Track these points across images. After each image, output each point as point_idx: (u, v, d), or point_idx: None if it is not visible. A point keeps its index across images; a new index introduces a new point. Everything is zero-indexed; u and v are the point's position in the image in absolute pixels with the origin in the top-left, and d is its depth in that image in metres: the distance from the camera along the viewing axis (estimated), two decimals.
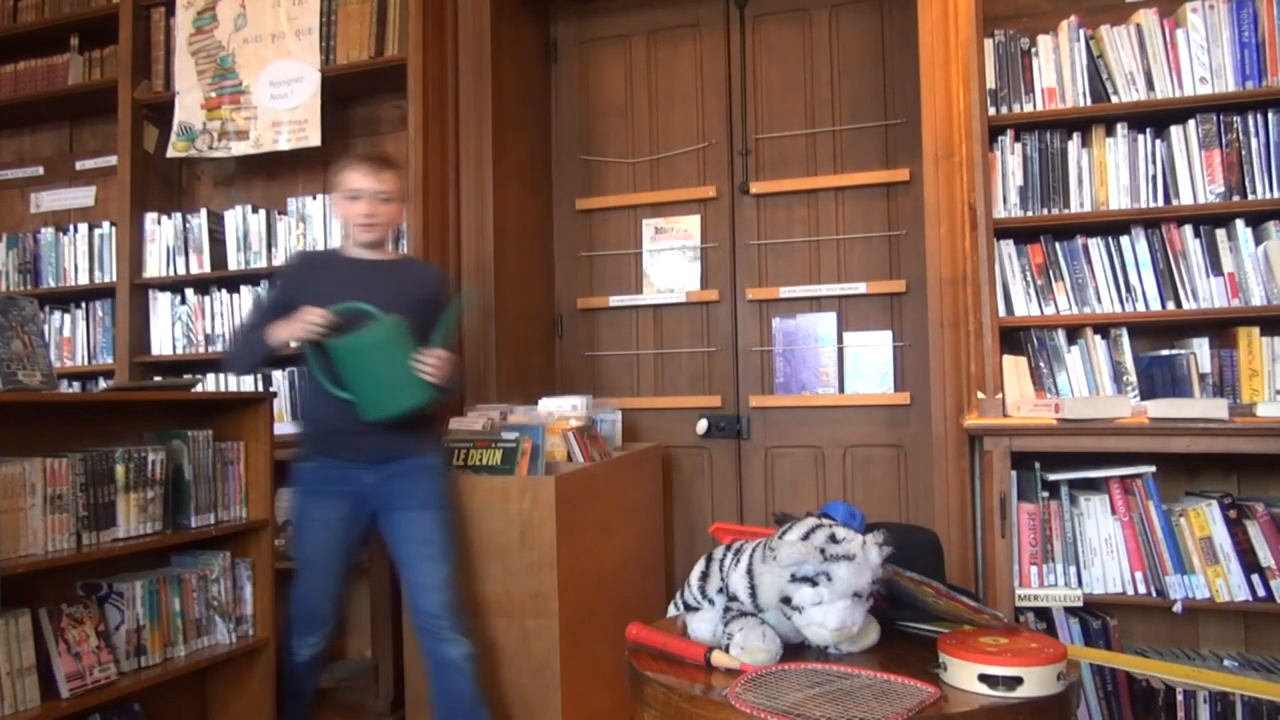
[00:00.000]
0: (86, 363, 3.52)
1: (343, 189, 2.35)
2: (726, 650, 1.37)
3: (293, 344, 2.25)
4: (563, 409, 2.89)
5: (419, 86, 3.06)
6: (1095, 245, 2.55)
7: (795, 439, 3.25)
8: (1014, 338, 2.63)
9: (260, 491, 2.50)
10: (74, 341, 3.55)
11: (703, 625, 1.47)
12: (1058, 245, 2.58)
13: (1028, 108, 2.60)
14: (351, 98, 3.41)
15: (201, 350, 3.35)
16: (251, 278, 3.32)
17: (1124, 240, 2.53)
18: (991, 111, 2.59)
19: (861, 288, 3.17)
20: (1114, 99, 2.54)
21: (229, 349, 2.31)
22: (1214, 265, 2.47)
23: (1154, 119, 2.54)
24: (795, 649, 1.41)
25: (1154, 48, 2.52)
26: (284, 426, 3.02)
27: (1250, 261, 2.44)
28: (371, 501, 2.36)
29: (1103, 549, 2.37)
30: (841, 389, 3.19)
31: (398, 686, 2.78)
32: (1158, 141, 2.53)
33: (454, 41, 3.23)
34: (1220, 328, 2.53)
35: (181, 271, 3.36)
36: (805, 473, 3.24)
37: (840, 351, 3.20)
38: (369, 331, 2.18)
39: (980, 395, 2.52)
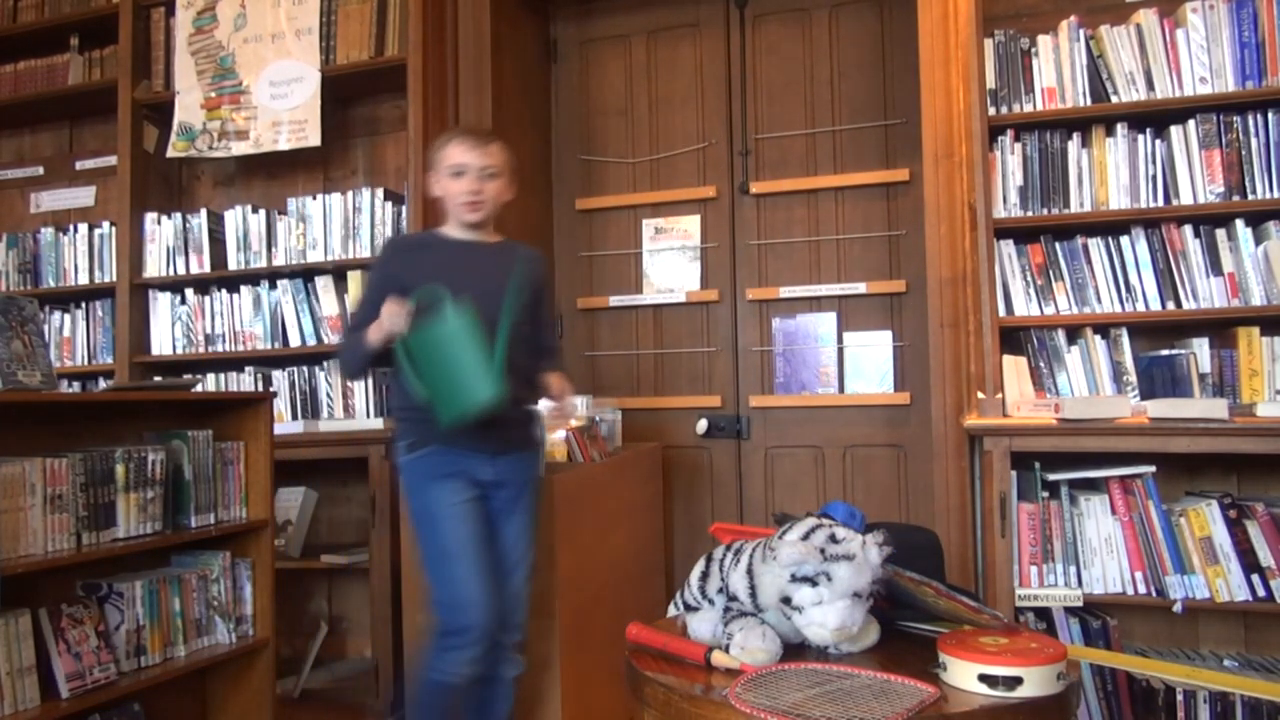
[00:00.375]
0: (86, 363, 3.53)
1: (444, 165, 2.16)
2: (726, 650, 1.36)
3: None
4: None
5: (419, 86, 3.06)
6: (1095, 245, 2.55)
7: (795, 439, 3.25)
8: (1014, 338, 2.63)
9: (260, 491, 2.50)
10: (74, 341, 3.55)
11: (703, 625, 1.47)
12: (1058, 245, 2.58)
13: (1028, 108, 2.60)
14: (351, 98, 3.41)
15: (201, 350, 3.35)
16: (251, 278, 3.32)
17: (1124, 240, 2.53)
18: (991, 111, 2.59)
19: (861, 288, 3.17)
20: (1114, 99, 2.54)
21: (338, 353, 2.16)
22: (1214, 265, 2.47)
23: (1154, 119, 2.54)
24: (795, 649, 1.41)
25: (1154, 48, 2.52)
26: (284, 426, 3.03)
27: (1250, 261, 2.44)
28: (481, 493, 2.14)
29: (1103, 549, 2.37)
30: (841, 389, 3.19)
31: (398, 686, 2.78)
32: (1158, 141, 2.53)
33: (454, 41, 3.23)
34: (1220, 328, 2.53)
35: (181, 271, 3.36)
36: (805, 473, 3.23)
37: (840, 351, 3.20)
38: (439, 324, 1.99)
39: (980, 395, 2.52)
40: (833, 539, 1.37)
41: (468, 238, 2.21)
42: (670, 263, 3.43)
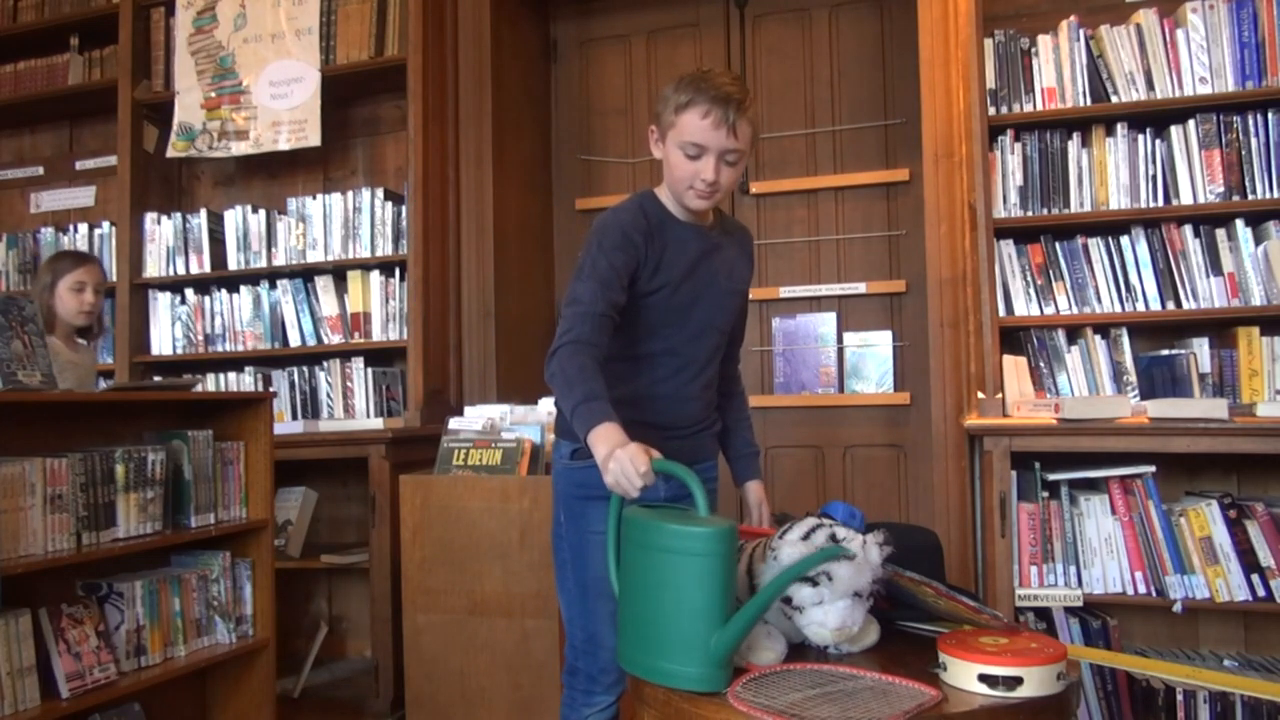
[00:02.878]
0: None
1: (677, 135, 1.67)
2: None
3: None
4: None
5: (419, 86, 3.06)
6: (1095, 245, 2.55)
7: (795, 439, 3.24)
8: (1014, 338, 2.63)
9: (260, 491, 2.50)
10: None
11: None
12: (1058, 245, 2.58)
13: (1028, 108, 2.60)
14: (351, 98, 3.41)
15: (201, 350, 3.35)
16: (251, 278, 3.32)
17: (1124, 240, 2.53)
18: (991, 111, 2.59)
19: (861, 288, 3.17)
20: (1114, 99, 2.54)
21: (557, 362, 1.66)
22: (1214, 265, 2.47)
23: (1154, 119, 2.54)
24: (795, 649, 1.41)
25: (1154, 48, 2.52)
26: (284, 426, 3.03)
27: (1250, 261, 2.44)
28: None
29: (1103, 549, 2.37)
30: (841, 389, 3.19)
31: (398, 686, 2.78)
32: (1158, 141, 2.53)
33: (454, 41, 3.23)
34: (1220, 328, 2.53)
35: (181, 271, 3.36)
36: (805, 473, 3.23)
37: (840, 351, 3.20)
38: (675, 534, 1.30)
39: (980, 395, 2.52)
40: (833, 539, 1.36)
41: (693, 221, 1.80)
42: None
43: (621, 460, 1.44)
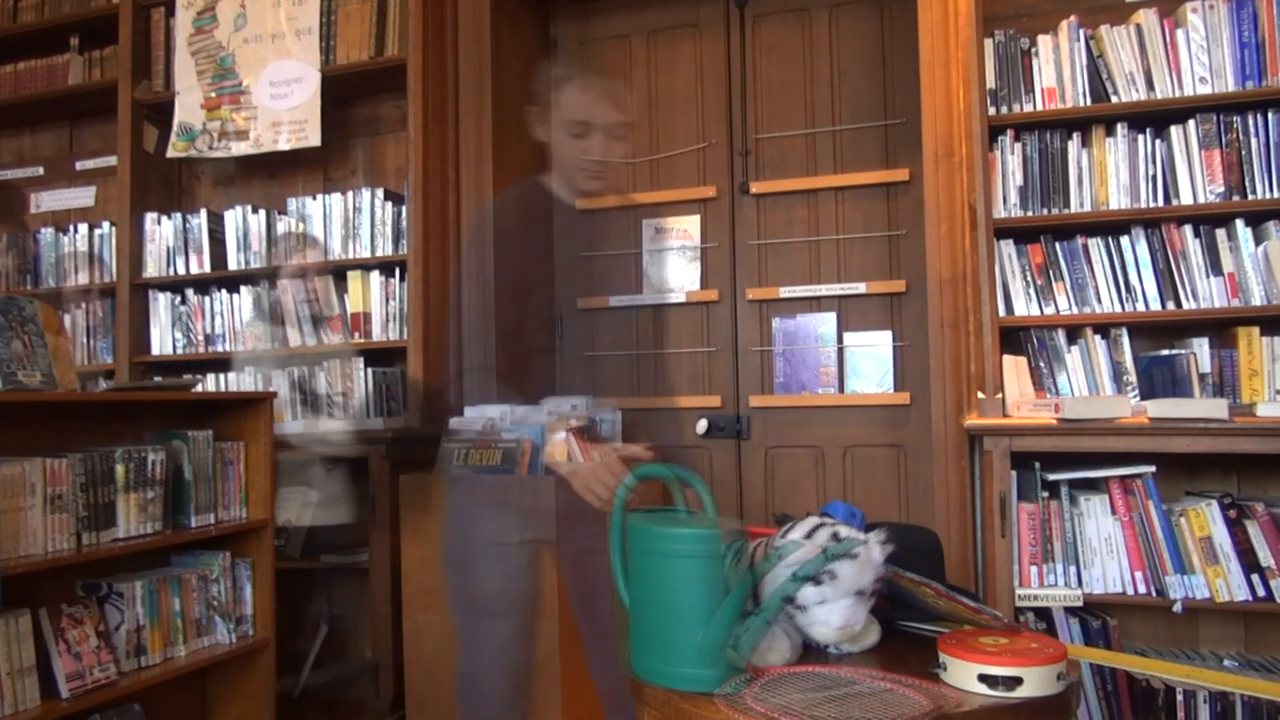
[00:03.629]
0: (86, 363, 3.52)
1: (563, 112, 1.64)
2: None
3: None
4: (563, 409, 2.88)
5: (419, 86, 3.06)
6: (1095, 245, 2.55)
7: (795, 439, 3.24)
8: (1014, 338, 2.63)
9: (260, 491, 2.50)
10: (74, 341, 3.54)
11: None
12: (1058, 245, 2.58)
13: (1028, 108, 2.60)
14: (351, 98, 3.41)
15: (201, 350, 3.35)
16: (251, 278, 3.32)
17: (1124, 240, 2.53)
18: (991, 111, 2.59)
19: (861, 288, 3.17)
20: (1114, 99, 2.54)
21: (474, 385, 1.47)
22: (1214, 265, 2.47)
23: (1154, 119, 2.54)
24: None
25: (1154, 48, 2.52)
26: (284, 426, 3.03)
27: (1250, 261, 2.44)
28: None
29: (1103, 549, 2.37)
30: (841, 389, 3.18)
31: (398, 686, 2.78)
32: (1158, 141, 2.53)
33: (454, 41, 3.23)
34: (1220, 328, 2.53)
35: (181, 271, 3.37)
36: (805, 473, 3.23)
37: (840, 351, 3.20)
38: (661, 538, 1.31)
39: (980, 395, 2.52)
40: (835, 538, 1.36)
41: (586, 207, 1.67)
42: (670, 263, 3.42)
43: (594, 467, 1.30)
